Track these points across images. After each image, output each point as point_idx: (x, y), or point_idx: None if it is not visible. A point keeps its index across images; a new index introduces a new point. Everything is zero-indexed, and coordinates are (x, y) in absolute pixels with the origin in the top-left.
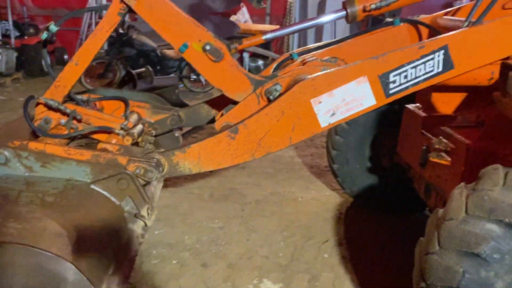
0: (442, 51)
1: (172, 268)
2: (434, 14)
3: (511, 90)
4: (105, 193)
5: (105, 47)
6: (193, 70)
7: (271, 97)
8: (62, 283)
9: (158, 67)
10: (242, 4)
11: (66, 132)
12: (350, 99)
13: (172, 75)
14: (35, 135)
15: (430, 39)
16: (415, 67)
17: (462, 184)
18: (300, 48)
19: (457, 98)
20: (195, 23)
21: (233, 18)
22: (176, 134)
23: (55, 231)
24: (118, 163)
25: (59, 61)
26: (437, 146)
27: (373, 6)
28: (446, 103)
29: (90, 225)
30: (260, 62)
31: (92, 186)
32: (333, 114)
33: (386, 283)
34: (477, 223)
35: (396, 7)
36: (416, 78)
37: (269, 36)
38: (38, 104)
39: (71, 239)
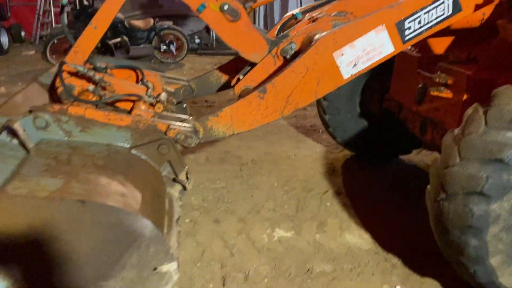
0: None
1: (186, 227)
2: None
3: None
4: (145, 158)
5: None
6: (162, 41)
7: (287, 56)
8: (139, 239)
9: (127, 39)
10: None
11: (95, 99)
12: (370, 48)
13: (145, 45)
14: (54, 101)
15: None
16: (427, 12)
17: (476, 104)
18: (303, 7)
19: (448, 39)
20: None
21: None
22: (184, 105)
23: (119, 191)
24: (157, 129)
25: (16, 39)
26: (437, 80)
27: None
28: (437, 44)
29: (143, 188)
30: None
31: (133, 151)
32: (355, 65)
33: (387, 219)
34: (498, 133)
35: None
36: (429, 22)
37: None
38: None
39: (134, 200)
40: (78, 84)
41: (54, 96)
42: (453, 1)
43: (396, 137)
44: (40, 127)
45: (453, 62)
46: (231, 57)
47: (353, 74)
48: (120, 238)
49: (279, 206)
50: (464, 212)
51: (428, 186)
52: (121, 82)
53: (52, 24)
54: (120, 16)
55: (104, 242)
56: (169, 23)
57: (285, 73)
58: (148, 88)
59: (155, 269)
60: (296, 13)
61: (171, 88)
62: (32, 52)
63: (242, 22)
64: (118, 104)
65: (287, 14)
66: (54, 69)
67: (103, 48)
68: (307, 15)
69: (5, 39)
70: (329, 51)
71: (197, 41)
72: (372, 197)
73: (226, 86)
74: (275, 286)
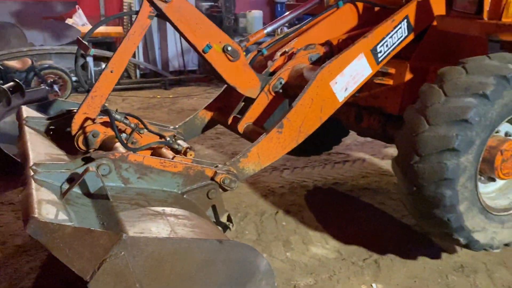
0: (406, 20)
1: None
2: None
3: (455, 6)
4: (195, 202)
5: None
6: (43, 82)
7: (278, 90)
8: (257, 273)
9: (1, 82)
10: (77, 7)
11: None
12: (355, 73)
13: (42, 86)
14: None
15: (395, 13)
16: (391, 36)
17: (426, 83)
18: (266, 43)
19: None
20: (216, 27)
21: (69, 21)
22: None
23: (215, 231)
24: (205, 175)
25: None
26: (380, 70)
27: None
28: None
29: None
30: (104, 65)
31: (185, 197)
32: (346, 89)
33: (339, 227)
34: (458, 100)
35: None
36: (393, 44)
37: (269, 29)
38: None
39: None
40: (102, 131)
41: (64, 144)
42: (407, 25)
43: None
44: (103, 175)
45: None
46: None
47: (345, 96)
48: (243, 273)
49: (240, 234)
50: (439, 167)
51: (395, 157)
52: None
53: None
54: None
55: (230, 277)
56: (50, 62)
57: (296, 107)
58: (162, 136)
59: None
60: (262, 49)
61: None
62: None
63: (240, 61)
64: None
65: (254, 51)
66: (37, 114)
67: None
68: (277, 52)
69: None
70: (326, 82)
71: (74, 78)
72: (318, 209)
73: (210, 125)
74: None
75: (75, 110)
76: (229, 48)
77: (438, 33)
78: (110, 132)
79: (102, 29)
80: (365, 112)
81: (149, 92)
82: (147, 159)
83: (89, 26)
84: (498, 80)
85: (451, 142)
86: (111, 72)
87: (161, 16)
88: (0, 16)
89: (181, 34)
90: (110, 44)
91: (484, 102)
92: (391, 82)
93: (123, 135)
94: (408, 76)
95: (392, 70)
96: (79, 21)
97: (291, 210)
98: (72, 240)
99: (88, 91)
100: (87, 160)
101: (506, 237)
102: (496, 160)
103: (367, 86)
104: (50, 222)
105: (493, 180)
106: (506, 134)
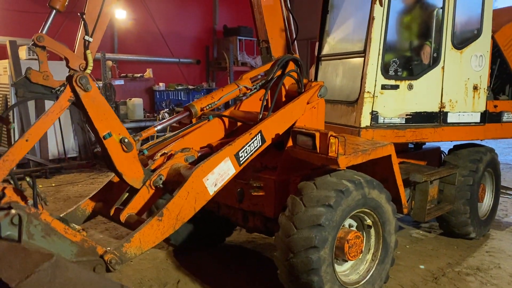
0: (260, 134)
1: None
2: (230, 109)
3: (298, 143)
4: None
5: None
6: None
7: (158, 185)
8: None
9: None
10: None
11: None
12: (222, 172)
13: None
14: None
15: (252, 128)
16: (249, 145)
17: (291, 195)
18: (146, 145)
19: None
20: (119, 121)
21: None
22: None
23: None
24: (96, 251)
25: None
26: (254, 185)
27: (206, 106)
28: None
29: None
30: None
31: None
32: (215, 185)
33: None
34: (314, 209)
35: (219, 105)
36: (251, 151)
37: (159, 127)
38: None
39: None
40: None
41: None
42: (260, 137)
43: (214, 230)
44: (14, 224)
45: (257, 170)
46: None
47: (215, 191)
48: None
49: None
50: (307, 261)
51: (276, 253)
52: None
53: None
54: None
55: None
56: None
57: (174, 198)
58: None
59: None
60: (144, 150)
61: None
62: None
63: (132, 153)
64: None
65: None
66: None
67: None
68: (157, 153)
69: None
70: (200, 178)
71: None
72: (220, 273)
73: (92, 216)
74: None
75: None
76: (126, 140)
77: (291, 157)
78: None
79: None
80: (250, 214)
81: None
82: (55, 222)
83: None
84: (337, 193)
85: (312, 242)
86: (26, 141)
87: (77, 102)
88: None
89: (88, 120)
90: None
91: (330, 210)
92: (263, 193)
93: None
94: (275, 187)
95: (262, 184)
96: None
97: (196, 279)
98: (5, 253)
99: None
100: (7, 208)
101: None
102: (345, 247)
103: (248, 195)
104: None
105: (346, 261)
106: (350, 225)
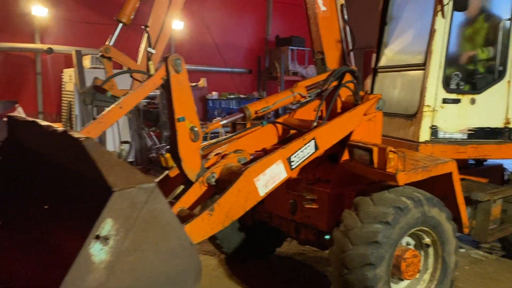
0: (313, 141)
1: None
2: (283, 116)
3: (355, 157)
4: None
5: None
6: None
7: (211, 183)
8: None
9: None
10: (17, 105)
11: None
12: (274, 175)
13: None
14: None
15: (305, 134)
16: (302, 150)
17: (346, 210)
18: (205, 142)
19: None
20: (195, 110)
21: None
22: None
23: None
24: None
25: None
26: (308, 197)
27: (260, 110)
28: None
29: None
30: None
31: None
32: (266, 186)
33: None
34: (370, 226)
35: (273, 109)
36: (303, 156)
37: (224, 122)
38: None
39: None
40: None
41: None
42: (314, 144)
43: (266, 240)
44: None
45: (310, 183)
46: None
47: (266, 192)
48: None
49: None
50: (362, 279)
51: (330, 268)
52: None
53: None
54: None
55: None
56: None
57: (225, 195)
58: None
59: None
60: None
61: None
62: None
63: (196, 144)
64: None
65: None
66: None
67: None
68: (211, 153)
69: None
70: (251, 178)
71: None
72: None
73: None
74: None
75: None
76: (195, 129)
77: (346, 171)
78: None
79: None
80: (302, 226)
81: None
82: None
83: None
84: (396, 210)
85: (369, 259)
86: (120, 108)
87: (165, 84)
88: None
89: (169, 101)
90: None
91: (387, 227)
92: (316, 206)
93: None
94: (329, 200)
95: (316, 197)
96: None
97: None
98: (116, 165)
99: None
100: None
101: None
102: (401, 265)
103: (301, 207)
104: None
105: (402, 279)
106: (407, 243)
